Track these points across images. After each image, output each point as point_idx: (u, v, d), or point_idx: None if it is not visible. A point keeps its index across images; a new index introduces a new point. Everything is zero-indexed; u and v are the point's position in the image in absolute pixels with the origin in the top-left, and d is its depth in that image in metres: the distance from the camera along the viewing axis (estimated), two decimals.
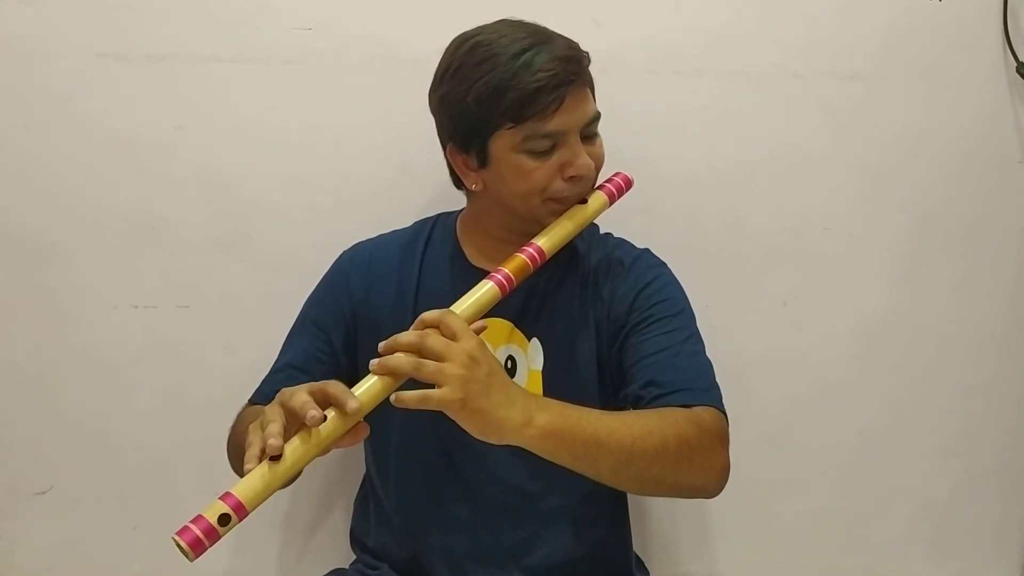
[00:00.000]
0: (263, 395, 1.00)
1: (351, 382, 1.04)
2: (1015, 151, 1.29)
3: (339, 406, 0.75)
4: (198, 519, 0.69)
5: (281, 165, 1.21)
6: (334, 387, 0.76)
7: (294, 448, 0.74)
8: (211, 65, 1.19)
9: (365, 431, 0.78)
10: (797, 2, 1.23)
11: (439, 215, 1.11)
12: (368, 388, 0.77)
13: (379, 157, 1.22)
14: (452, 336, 0.77)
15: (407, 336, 0.78)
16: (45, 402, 1.23)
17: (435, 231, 1.08)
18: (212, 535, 0.69)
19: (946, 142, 1.28)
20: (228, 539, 1.28)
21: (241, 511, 0.71)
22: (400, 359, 0.76)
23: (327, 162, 1.22)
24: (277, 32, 1.19)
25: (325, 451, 0.76)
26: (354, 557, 1.12)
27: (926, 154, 1.28)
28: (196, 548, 0.69)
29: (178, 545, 0.69)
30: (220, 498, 0.71)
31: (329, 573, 1.08)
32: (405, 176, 1.22)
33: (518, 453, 0.97)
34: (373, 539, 1.08)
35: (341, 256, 1.09)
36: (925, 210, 1.29)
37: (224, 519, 0.69)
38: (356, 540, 1.12)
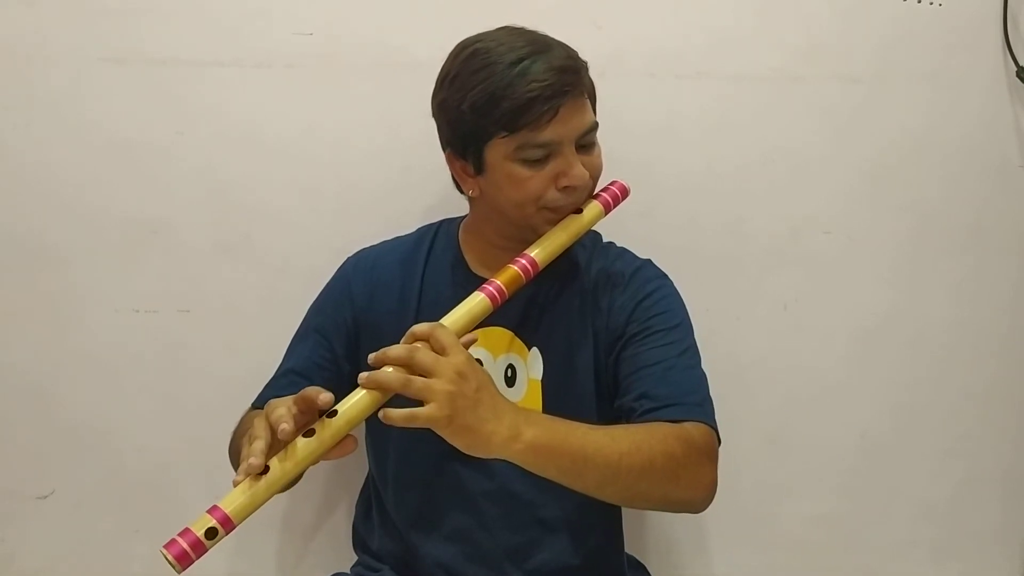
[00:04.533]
0: (265, 401, 1.00)
1: (354, 388, 1.05)
2: (1015, 155, 1.29)
3: (310, 402, 0.76)
4: (185, 532, 0.70)
5: (282, 169, 1.21)
6: (309, 390, 0.77)
7: (277, 463, 0.74)
8: (212, 70, 1.19)
9: (353, 445, 0.79)
10: (797, 6, 1.24)
11: (442, 221, 1.11)
12: (356, 402, 0.77)
13: (380, 161, 1.22)
14: (441, 350, 0.77)
15: (396, 350, 0.77)
16: (46, 406, 1.23)
17: (438, 238, 1.08)
18: (199, 548, 0.70)
19: (946, 146, 1.28)
20: (229, 541, 1.28)
21: (228, 524, 0.71)
22: (388, 375, 0.76)
23: (328, 166, 1.22)
24: (278, 37, 1.19)
25: (313, 463, 0.77)
26: (355, 558, 1.12)
27: (926, 157, 1.28)
28: (183, 561, 0.70)
29: (165, 558, 0.70)
30: (208, 511, 0.72)
31: None
32: (406, 180, 1.22)
33: None
34: (376, 540, 1.08)
35: (345, 263, 1.10)
36: (925, 213, 1.29)
37: (211, 532, 0.70)
38: (359, 540, 1.13)
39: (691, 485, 0.87)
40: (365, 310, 1.04)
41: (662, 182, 1.23)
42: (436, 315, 1.00)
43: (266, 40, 1.19)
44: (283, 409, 0.76)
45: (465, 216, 1.08)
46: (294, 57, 1.19)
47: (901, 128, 1.27)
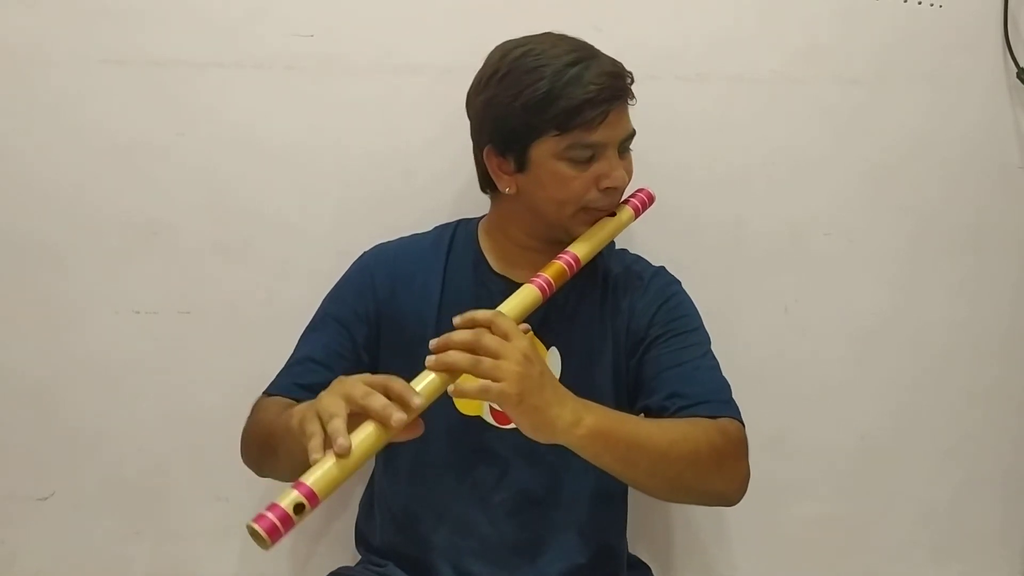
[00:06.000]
0: (281, 387, 1.00)
1: None
2: (1015, 156, 1.30)
3: (403, 403, 0.76)
4: (273, 507, 0.70)
5: (282, 171, 1.21)
6: (397, 383, 0.77)
7: (360, 441, 0.74)
8: (212, 71, 1.19)
9: (422, 427, 0.79)
10: (798, 8, 1.24)
11: (459, 221, 1.12)
12: (427, 384, 0.79)
13: (380, 164, 1.22)
14: (504, 336, 0.80)
15: (462, 335, 0.79)
16: (46, 408, 1.23)
17: (456, 237, 1.09)
18: (287, 523, 0.70)
19: (946, 147, 1.28)
20: (232, 543, 1.30)
21: (314, 500, 0.72)
22: (459, 356, 0.78)
23: (328, 168, 1.22)
24: (278, 39, 1.19)
25: (387, 443, 0.77)
26: (359, 557, 1.12)
27: (927, 159, 1.28)
28: (273, 535, 0.69)
29: (253, 533, 0.69)
30: (293, 486, 0.71)
31: (334, 571, 1.08)
32: (407, 183, 1.22)
33: (529, 459, 0.98)
34: (379, 538, 1.08)
35: (363, 256, 1.10)
36: (926, 215, 1.29)
37: (299, 508, 0.70)
38: (361, 539, 1.13)
39: (731, 477, 0.91)
40: (388, 303, 1.04)
41: (663, 183, 1.22)
42: (457, 311, 1.01)
43: (266, 42, 1.19)
44: (381, 398, 0.75)
45: (481, 217, 1.09)
46: (294, 59, 1.19)
47: (901, 129, 1.27)
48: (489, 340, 0.78)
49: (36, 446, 1.23)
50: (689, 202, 1.26)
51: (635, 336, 1.01)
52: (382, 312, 1.04)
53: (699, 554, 1.33)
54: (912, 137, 1.28)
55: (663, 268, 1.09)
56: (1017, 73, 1.26)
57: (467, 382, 0.78)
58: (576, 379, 1.00)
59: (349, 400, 0.76)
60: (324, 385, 0.98)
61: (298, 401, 0.98)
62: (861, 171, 1.28)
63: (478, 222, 1.10)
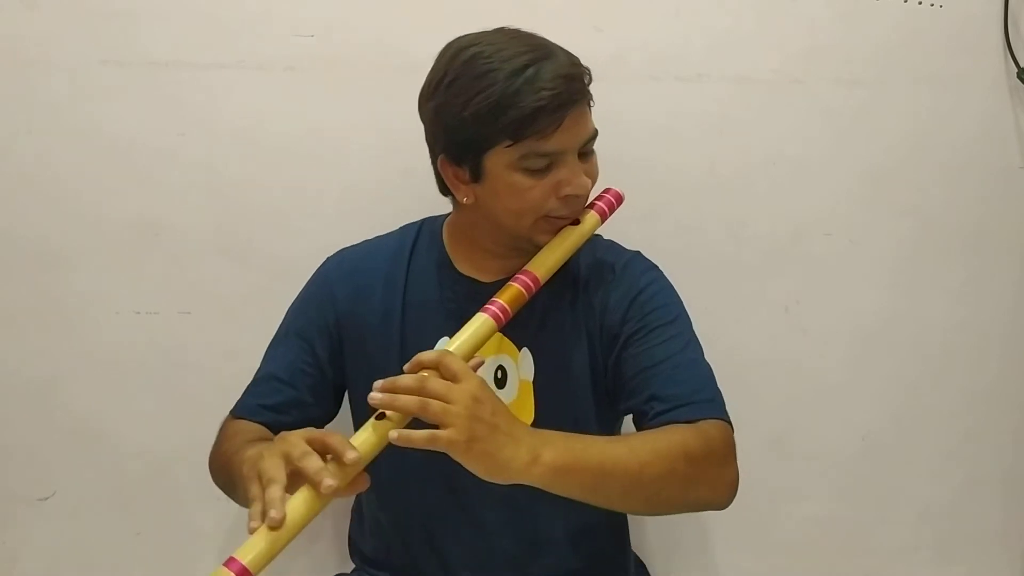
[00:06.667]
0: (247, 408, 0.99)
1: (338, 393, 1.03)
2: (1016, 156, 1.29)
3: (337, 457, 0.74)
4: None
5: (283, 171, 1.21)
6: (332, 438, 0.75)
7: (293, 509, 0.72)
8: (213, 72, 1.19)
9: (365, 483, 0.77)
10: (798, 8, 1.24)
11: (425, 220, 1.08)
12: (367, 437, 0.76)
13: (380, 164, 1.22)
14: (452, 377, 0.76)
15: (407, 379, 0.76)
16: (47, 407, 1.23)
17: (420, 237, 1.05)
18: None
19: (947, 147, 1.28)
20: (232, 543, 1.29)
21: None
22: (406, 397, 0.74)
23: (329, 168, 1.22)
24: (279, 39, 1.19)
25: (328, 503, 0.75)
26: (353, 566, 1.12)
27: (927, 159, 1.28)
28: None
29: None
30: (224, 564, 0.70)
31: None
32: (406, 183, 1.21)
33: None
34: (370, 548, 1.07)
35: (325, 264, 1.06)
36: (926, 215, 1.29)
37: None
38: (355, 549, 1.12)
39: (714, 485, 0.87)
40: (348, 315, 1.01)
41: (663, 184, 1.23)
42: (422, 316, 0.99)
43: (267, 42, 1.19)
44: (317, 460, 0.73)
45: (448, 215, 1.05)
46: (295, 59, 1.19)
47: (902, 130, 1.27)
48: (435, 384, 0.74)
49: (36, 446, 1.24)
50: (689, 203, 1.26)
51: (610, 332, 0.96)
52: (343, 324, 1.01)
53: (699, 555, 1.32)
54: (912, 137, 1.27)
55: (638, 254, 1.03)
56: (1017, 73, 1.26)
57: (415, 431, 0.74)
58: (551, 380, 0.98)
59: (288, 460, 0.73)
60: (288, 404, 0.99)
61: (264, 425, 0.98)
62: (861, 171, 1.28)
63: (444, 220, 1.05)
